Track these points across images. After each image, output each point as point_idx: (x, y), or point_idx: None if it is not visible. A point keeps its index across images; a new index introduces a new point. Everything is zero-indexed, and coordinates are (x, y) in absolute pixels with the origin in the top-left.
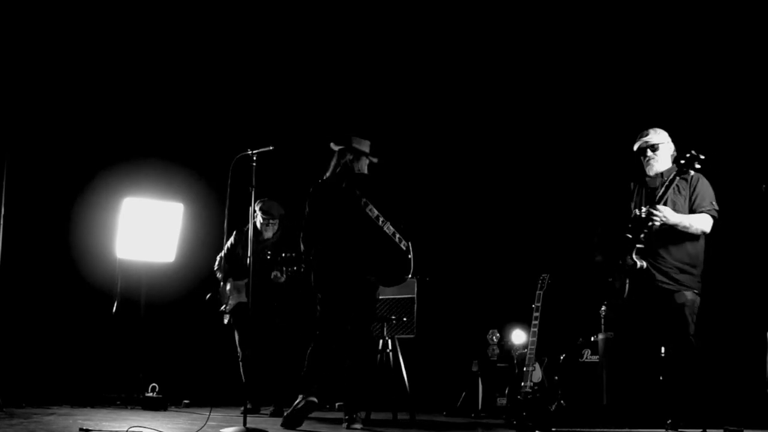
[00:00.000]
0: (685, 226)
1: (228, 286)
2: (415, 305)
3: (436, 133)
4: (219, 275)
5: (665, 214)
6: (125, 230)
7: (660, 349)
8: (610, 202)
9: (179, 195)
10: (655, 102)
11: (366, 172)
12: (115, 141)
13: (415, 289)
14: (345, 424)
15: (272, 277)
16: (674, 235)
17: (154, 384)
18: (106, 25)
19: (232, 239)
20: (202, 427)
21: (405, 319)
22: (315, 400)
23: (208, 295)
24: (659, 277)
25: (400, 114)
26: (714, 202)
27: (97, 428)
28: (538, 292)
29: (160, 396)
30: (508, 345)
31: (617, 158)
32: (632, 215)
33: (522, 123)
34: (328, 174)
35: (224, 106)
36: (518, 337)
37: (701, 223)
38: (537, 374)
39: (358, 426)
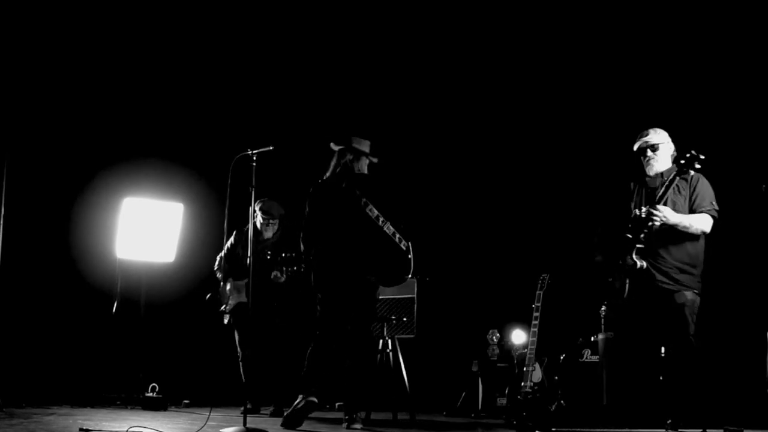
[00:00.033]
0: (685, 226)
1: (228, 286)
2: (415, 305)
3: (436, 133)
4: (219, 275)
5: (665, 213)
6: (125, 230)
7: (660, 349)
8: (610, 202)
9: (179, 195)
10: (655, 102)
11: (366, 172)
12: (115, 141)
13: (415, 289)
14: (345, 424)
15: (272, 277)
16: (674, 235)
17: (154, 384)
18: (106, 25)
19: (232, 239)
20: (202, 427)
21: (405, 319)
22: (315, 400)
23: (208, 296)
24: (659, 277)
25: (400, 114)
26: (714, 202)
27: (97, 428)
28: (538, 292)
29: (160, 396)
30: (508, 345)
31: (617, 158)
32: (632, 215)
33: (522, 123)
34: (328, 174)
35: (224, 106)
36: (518, 337)
37: (701, 223)
38: (537, 374)
39: (358, 426)
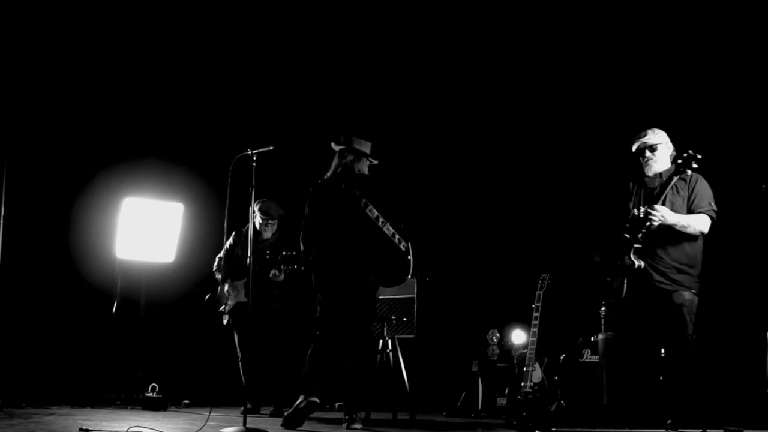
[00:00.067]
0: (683, 226)
1: (227, 287)
2: (415, 305)
3: (436, 134)
4: (218, 276)
5: (663, 213)
6: (125, 230)
7: (660, 349)
8: (610, 202)
9: (179, 195)
10: (654, 102)
11: (366, 172)
12: (115, 141)
13: (415, 289)
14: (345, 424)
15: (270, 275)
16: (672, 235)
17: (154, 384)
18: (106, 25)
19: (231, 240)
20: (202, 427)
21: (405, 319)
22: (317, 400)
23: (207, 296)
24: (657, 277)
25: (400, 114)
26: (712, 203)
27: (97, 428)
28: (538, 292)
29: (160, 396)
30: (508, 345)
31: (617, 158)
32: (630, 215)
33: (522, 123)
34: (328, 174)
35: (224, 106)
36: (518, 337)
37: (699, 223)
38: (537, 374)
39: (358, 426)
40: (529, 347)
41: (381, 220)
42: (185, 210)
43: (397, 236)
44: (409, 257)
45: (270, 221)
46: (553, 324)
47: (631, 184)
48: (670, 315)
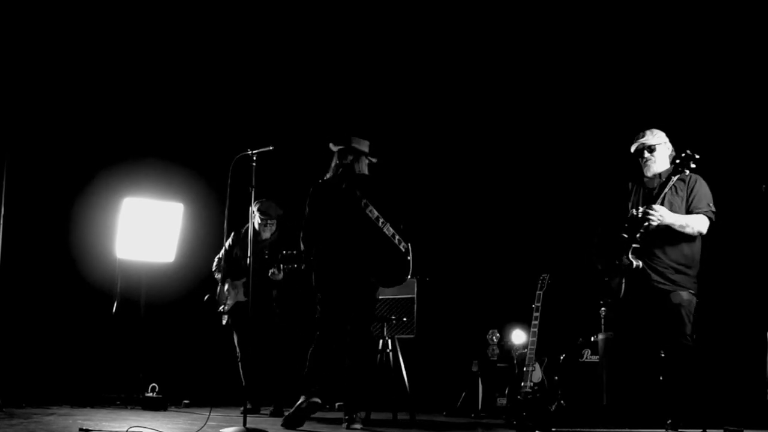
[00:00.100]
0: (681, 226)
1: (226, 287)
2: (415, 305)
3: (436, 134)
4: (217, 276)
5: (661, 213)
6: (125, 230)
7: (659, 350)
8: (610, 202)
9: (179, 195)
10: (654, 102)
11: (366, 172)
12: (115, 141)
13: (415, 289)
14: (345, 424)
15: (269, 274)
16: (670, 235)
17: (154, 384)
18: (105, 25)
19: (230, 240)
20: (202, 427)
21: (405, 319)
22: (318, 400)
23: (206, 297)
24: (655, 277)
25: (400, 114)
26: (711, 204)
27: (97, 428)
28: (538, 292)
29: (160, 396)
30: (508, 345)
31: (617, 158)
32: (629, 215)
33: (521, 123)
34: (328, 174)
35: (224, 106)
36: (518, 337)
37: (697, 223)
38: (537, 374)
39: (358, 426)
40: (529, 347)
41: (381, 220)
42: (185, 210)
43: (397, 237)
44: (408, 258)
45: (269, 221)
46: (553, 324)
47: (630, 184)
48: (668, 315)
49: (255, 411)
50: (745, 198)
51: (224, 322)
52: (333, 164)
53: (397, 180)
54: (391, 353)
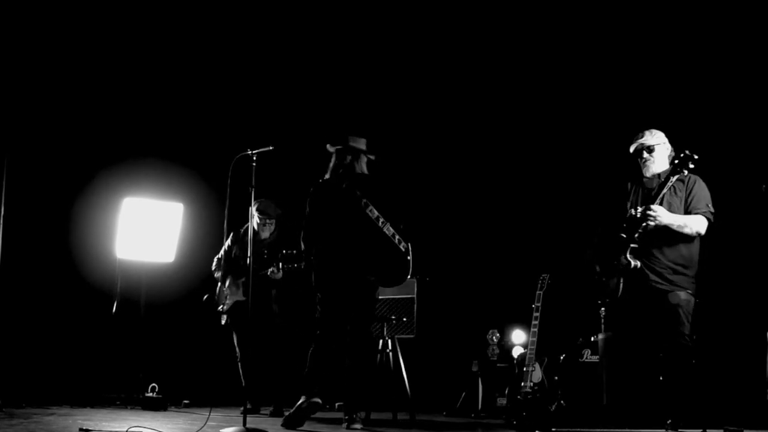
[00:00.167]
0: (679, 226)
1: (225, 287)
2: (415, 305)
3: (436, 134)
4: (216, 276)
5: (660, 213)
6: (125, 230)
7: (658, 350)
8: (609, 202)
9: (179, 195)
10: (653, 102)
11: (366, 170)
12: (115, 141)
13: (415, 289)
14: (345, 424)
15: (269, 273)
16: (668, 235)
17: (154, 384)
18: (105, 25)
19: (229, 241)
20: (202, 427)
21: (405, 319)
22: (319, 401)
23: (205, 297)
24: (653, 277)
25: (400, 114)
26: (710, 205)
27: (97, 428)
28: (538, 292)
29: (160, 396)
30: (508, 345)
31: (616, 159)
32: (627, 215)
33: (521, 123)
34: (328, 174)
35: (224, 106)
36: (518, 337)
37: (696, 224)
38: (537, 374)
39: (358, 426)
40: (529, 347)
41: (381, 220)
42: (185, 210)
43: (397, 236)
44: (408, 257)
45: (268, 221)
46: (553, 324)
47: (629, 184)
48: (666, 315)
49: (255, 411)
50: (745, 198)
51: (223, 321)
52: (332, 165)
53: (397, 180)
54: (391, 353)
